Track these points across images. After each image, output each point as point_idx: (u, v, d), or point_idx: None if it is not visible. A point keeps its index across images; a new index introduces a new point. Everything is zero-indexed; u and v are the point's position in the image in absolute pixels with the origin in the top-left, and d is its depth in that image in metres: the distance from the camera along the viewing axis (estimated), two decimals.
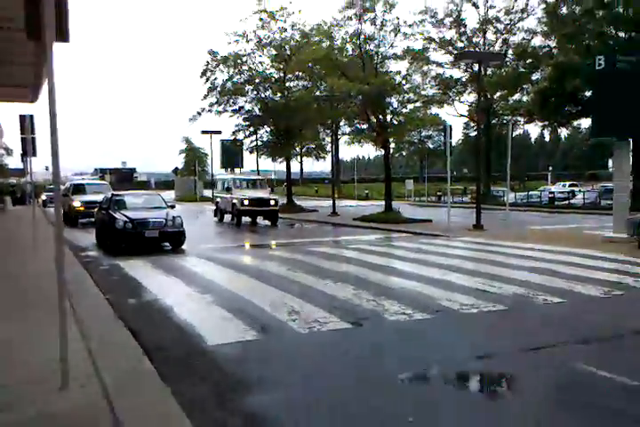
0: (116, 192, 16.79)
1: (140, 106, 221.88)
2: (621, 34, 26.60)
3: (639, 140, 24.51)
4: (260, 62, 31.01)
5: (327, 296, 7.80)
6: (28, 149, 13.28)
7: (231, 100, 31.13)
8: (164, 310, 7.14)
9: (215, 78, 31.15)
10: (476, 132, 43.40)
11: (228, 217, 22.84)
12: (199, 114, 31.61)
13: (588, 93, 24.84)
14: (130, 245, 13.19)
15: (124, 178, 63.83)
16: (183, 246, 13.81)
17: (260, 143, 33.07)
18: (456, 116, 39.86)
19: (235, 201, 21.07)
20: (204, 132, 41.16)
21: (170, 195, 47.67)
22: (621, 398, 4.24)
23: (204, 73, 31.16)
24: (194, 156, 53.97)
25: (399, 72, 22.98)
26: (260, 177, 26.02)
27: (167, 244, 13.89)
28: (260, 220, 22.10)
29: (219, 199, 23.87)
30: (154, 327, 6.34)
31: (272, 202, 21.18)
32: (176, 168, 54.32)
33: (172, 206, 15.63)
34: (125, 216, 13.38)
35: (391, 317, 6.58)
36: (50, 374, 4.29)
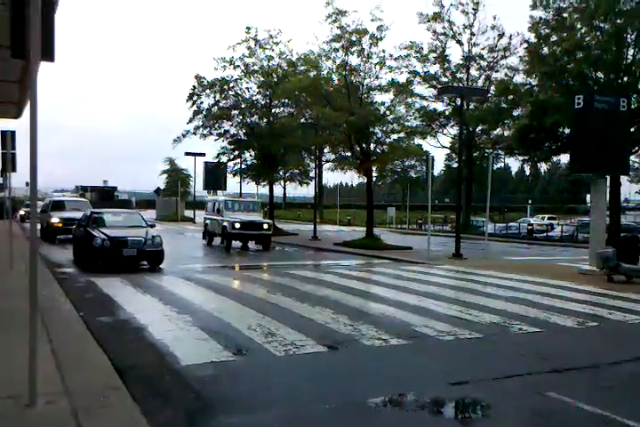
0: (95, 209, 16.66)
1: (123, 125, 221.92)
2: (600, 74, 27.53)
3: (616, 178, 25.20)
4: (247, 88, 31.41)
5: (305, 319, 7.76)
6: (8, 164, 13.20)
7: (216, 124, 31.36)
8: (139, 329, 7.04)
9: (201, 102, 31.46)
10: (457, 164, 44.16)
11: (217, 240, 21.80)
12: (184, 136, 31.78)
13: (567, 130, 25.50)
14: (107, 263, 13.04)
15: (105, 196, 63.14)
16: (162, 266, 13.69)
17: (243, 166, 33.21)
18: (438, 148, 40.61)
19: (225, 224, 19.97)
20: (187, 153, 41.24)
21: (151, 214, 47.35)
22: (589, 425, 4.27)
23: (190, 97, 31.46)
24: (177, 176, 53.87)
25: (383, 103, 23.44)
26: (253, 200, 25.58)
27: (145, 263, 13.75)
28: (251, 244, 21.28)
29: (208, 221, 22.47)
30: (127, 346, 6.25)
31: (265, 226, 20.16)
32: (158, 188, 54.09)
33: (152, 225, 15.54)
34: (104, 234, 13.25)
35: (367, 342, 6.56)
36: (18, 390, 4.19)
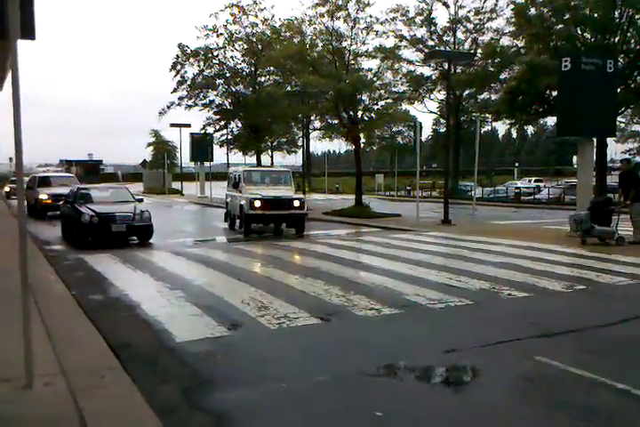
0: (82, 185, 16.48)
1: (107, 98, 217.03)
2: (588, 35, 27.23)
3: (602, 140, 25.26)
4: (231, 57, 30.76)
5: (297, 291, 7.82)
6: None
7: (201, 94, 30.83)
8: (132, 307, 7.06)
9: (185, 72, 30.81)
10: (445, 129, 43.92)
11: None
12: (168, 108, 31.25)
13: (555, 93, 25.34)
14: (96, 239, 12.98)
15: (91, 170, 62.39)
16: (151, 241, 13.66)
17: (230, 137, 32.83)
18: (426, 113, 40.28)
19: (242, 202, 15.41)
20: (173, 124, 40.59)
21: (138, 187, 47.01)
22: (579, 388, 4.39)
23: (173, 66, 30.78)
24: (163, 148, 53.26)
25: (371, 69, 23.08)
26: (282, 168, 19.30)
27: (135, 238, 13.72)
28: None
29: (229, 199, 18.01)
30: (121, 324, 6.28)
31: (296, 203, 15.21)
32: (144, 161, 53.57)
33: (140, 200, 15.43)
34: (92, 210, 13.15)
35: (360, 312, 6.64)
36: (14, 372, 4.21)
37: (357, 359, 5.07)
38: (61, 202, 16.05)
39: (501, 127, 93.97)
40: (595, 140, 14.97)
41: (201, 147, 37.67)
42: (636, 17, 25.95)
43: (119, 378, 4.35)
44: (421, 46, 35.66)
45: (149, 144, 56.24)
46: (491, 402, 4.19)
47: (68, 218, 14.20)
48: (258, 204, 14.87)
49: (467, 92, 37.13)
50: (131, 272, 9.64)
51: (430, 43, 35.89)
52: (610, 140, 29.17)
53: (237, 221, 16.77)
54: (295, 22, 24.28)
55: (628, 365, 4.96)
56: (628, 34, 26.26)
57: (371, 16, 22.09)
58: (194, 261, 10.89)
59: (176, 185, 47.02)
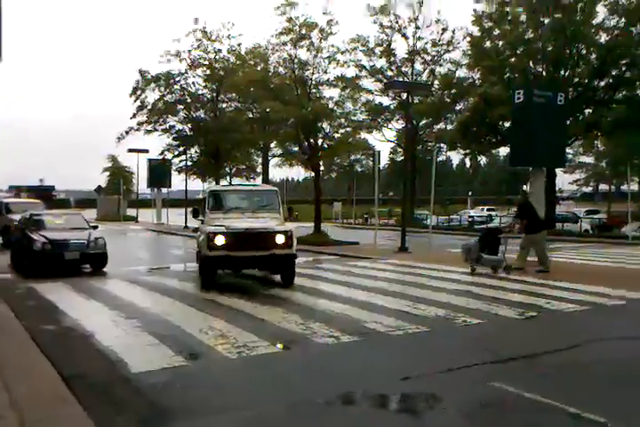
0: (33, 211, 16.04)
1: (61, 123, 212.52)
2: (540, 69, 28.61)
3: (552, 169, 26.32)
4: (193, 82, 30.93)
5: (256, 320, 7.78)
6: None
7: (161, 120, 30.76)
8: (86, 336, 6.88)
9: (145, 97, 30.77)
10: (402, 157, 44.90)
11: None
12: (127, 133, 31.04)
13: (507, 124, 26.38)
14: (48, 267, 12.60)
15: (43, 196, 60.47)
16: (105, 269, 13.35)
17: (189, 163, 32.70)
18: (383, 142, 41.20)
19: (201, 238, 10.90)
20: (130, 150, 40.12)
21: (92, 214, 45.98)
22: (532, 413, 4.51)
23: (133, 91, 30.73)
24: (119, 174, 52.42)
25: (332, 98, 23.55)
26: (265, 188, 13.80)
27: (88, 266, 13.38)
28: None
29: (197, 233, 12.51)
30: (74, 354, 6.11)
31: (279, 238, 10.47)
32: (99, 187, 52.51)
33: (95, 227, 15.12)
34: (44, 237, 12.80)
35: (319, 340, 6.65)
36: None
37: (316, 387, 5.08)
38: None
39: (455, 157, 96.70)
40: (545, 170, 15.59)
41: (159, 173, 37.33)
42: (584, 52, 27.47)
43: (72, 410, 4.23)
44: (381, 76, 36.72)
45: (105, 169, 55.32)
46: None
47: (19, 245, 13.76)
48: (220, 240, 10.01)
49: (423, 121, 38.24)
50: (84, 301, 9.39)
51: (389, 73, 37.01)
52: (558, 171, 30.34)
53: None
54: (259, 50, 24.65)
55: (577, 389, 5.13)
56: (578, 69, 27.72)
57: (333, 46, 22.66)
58: (149, 289, 10.70)
59: (131, 212, 46.19)
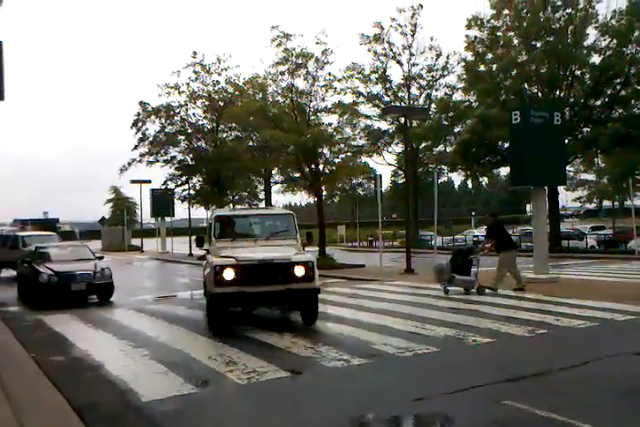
0: (39, 244, 16.12)
1: (63, 156, 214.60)
2: (535, 90, 29.00)
3: (553, 188, 26.42)
4: (193, 113, 31.38)
5: (265, 345, 7.75)
6: None
7: (163, 151, 31.11)
8: (95, 367, 6.86)
9: (146, 129, 31.20)
10: (403, 180, 45.14)
11: None
12: (129, 164, 31.37)
13: (507, 144, 26.58)
14: (55, 299, 12.61)
15: (47, 229, 60.80)
16: (112, 299, 13.36)
17: (192, 192, 32.92)
18: (384, 165, 41.46)
19: (207, 271, 9.31)
20: (133, 181, 40.42)
21: (97, 245, 46.08)
22: None
23: (134, 123, 31.17)
24: (122, 205, 52.75)
25: (330, 124, 23.85)
26: (280, 211, 11.99)
27: (95, 296, 13.39)
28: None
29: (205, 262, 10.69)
30: (84, 385, 6.09)
31: (298, 270, 8.79)
32: (103, 218, 52.77)
33: (101, 257, 15.18)
34: (50, 269, 12.85)
35: (329, 363, 6.62)
36: None
37: (327, 411, 5.04)
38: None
39: (457, 178, 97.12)
40: (546, 188, 15.65)
41: (162, 202, 37.55)
42: (578, 73, 27.88)
43: None
44: (378, 102, 37.17)
45: (108, 200, 55.68)
46: None
47: (26, 278, 13.80)
48: (229, 275, 8.49)
49: (423, 144, 38.53)
50: (92, 332, 9.38)
51: (386, 98, 37.47)
52: (560, 189, 30.46)
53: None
54: (258, 80, 25.09)
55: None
56: (573, 89, 28.09)
57: (329, 74, 23.06)
58: (157, 317, 10.67)
59: (136, 241, 46.28)
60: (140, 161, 31.15)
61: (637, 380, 5.81)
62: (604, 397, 5.32)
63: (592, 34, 27.48)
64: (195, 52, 29.88)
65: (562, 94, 28.03)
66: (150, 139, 31.25)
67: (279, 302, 9.52)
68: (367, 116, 36.34)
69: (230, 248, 9.37)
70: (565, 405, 5.01)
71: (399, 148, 38.35)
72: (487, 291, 12.40)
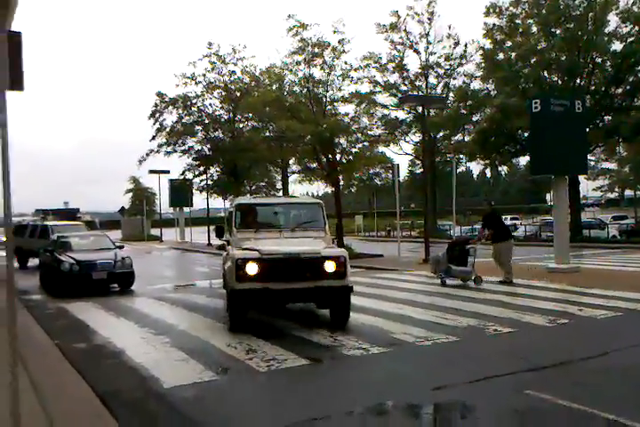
0: (61, 234, 16.34)
1: (83, 147, 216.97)
2: (555, 78, 28.53)
3: (574, 177, 26.02)
4: (210, 104, 31.46)
5: (285, 334, 7.79)
6: None
7: (180, 141, 31.29)
8: (117, 354, 6.95)
9: (164, 119, 31.37)
10: (421, 169, 44.87)
11: None
12: (147, 155, 31.62)
13: (526, 133, 26.23)
14: (77, 287, 12.80)
15: (68, 218, 61.68)
16: (133, 287, 13.52)
17: (210, 182, 33.08)
18: (401, 155, 41.16)
19: (228, 265, 8.39)
20: (151, 171, 40.70)
21: (116, 235, 46.64)
22: (569, 420, 4.44)
23: (152, 114, 31.34)
24: (141, 195, 53.23)
25: (347, 113, 23.74)
26: (306, 200, 10.94)
27: (116, 285, 13.56)
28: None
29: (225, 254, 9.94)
30: (107, 372, 6.17)
31: (329, 266, 7.96)
32: (122, 208, 53.33)
33: (121, 247, 15.35)
34: (72, 258, 13.03)
35: (348, 352, 6.63)
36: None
37: (347, 399, 5.05)
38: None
39: (476, 167, 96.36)
40: (567, 177, 15.42)
41: (180, 192, 37.79)
42: (599, 61, 27.36)
43: (108, 425, 4.27)
44: (395, 91, 36.83)
45: (128, 191, 56.22)
46: None
47: (48, 267, 14.02)
48: (252, 269, 7.70)
49: (441, 133, 38.17)
50: (114, 319, 9.50)
51: (403, 88, 37.11)
52: (581, 178, 29.99)
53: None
54: (274, 70, 25.03)
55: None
56: (594, 77, 27.58)
57: (346, 63, 22.89)
58: (177, 306, 10.78)
59: (155, 231, 46.73)
60: (157, 151, 31.38)
61: None
62: (624, 387, 5.26)
63: (613, 20, 26.92)
64: (210, 43, 29.91)
65: (582, 82, 27.53)
66: (168, 129, 31.42)
67: (307, 301, 8.61)
68: (384, 106, 36.13)
69: (253, 240, 8.58)
70: (586, 395, 4.96)
71: (417, 137, 38.06)
72: (503, 281, 12.26)
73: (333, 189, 24.28)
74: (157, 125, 31.49)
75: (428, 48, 36.62)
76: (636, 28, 26.32)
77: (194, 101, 31.27)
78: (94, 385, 5.38)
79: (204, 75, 30.44)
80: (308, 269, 7.83)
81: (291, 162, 31.91)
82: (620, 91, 27.77)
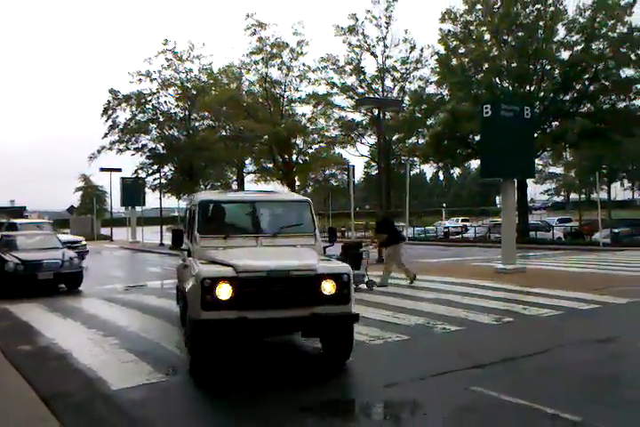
0: (5, 233, 15.75)
1: (27, 143, 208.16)
2: (506, 84, 29.41)
3: (522, 180, 26.88)
4: (165, 101, 31.00)
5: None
6: None
7: (133, 139, 30.71)
8: (62, 356, 6.76)
9: (117, 117, 30.71)
10: (376, 171, 45.36)
11: None
12: (99, 152, 30.90)
13: (477, 137, 26.94)
14: (22, 288, 12.36)
15: (15, 217, 59.53)
16: (81, 288, 13.17)
17: (163, 181, 32.55)
18: (357, 156, 41.50)
19: (189, 285, 6.08)
20: (103, 169, 39.64)
21: (65, 234, 45.22)
22: (512, 415, 4.60)
23: (105, 111, 30.66)
24: (92, 193, 51.86)
25: (304, 114, 23.86)
26: (291, 197, 8.31)
27: (63, 285, 13.18)
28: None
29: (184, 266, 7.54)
30: (52, 374, 6.01)
31: (327, 285, 5.78)
32: (72, 206, 51.81)
33: (83, 243, 14.92)
34: (17, 258, 12.59)
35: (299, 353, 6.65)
36: None
37: (296, 397, 5.07)
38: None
39: (429, 170, 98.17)
40: (515, 181, 15.89)
41: (132, 191, 36.98)
42: (548, 68, 28.36)
43: None
44: (352, 93, 37.11)
45: (78, 189, 54.68)
46: None
47: None
48: (225, 292, 5.60)
49: (396, 136, 38.72)
50: (60, 321, 9.24)
51: (360, 90, 37.43)
52: (529, 182, 31.06)
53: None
54: (231, 69, 24.89)
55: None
56: (543, 84, 28.56)
57: (304, 64, 23.02)
58: (126, 307, 10.56)
59: (105, 231, 45.62)
60: (110, 149, 30.68)
61: (596, 366, 6.00)
62: (566, 382, 5.48)
63: (561, 30, 27.97)
64: (166, 40, 29.43)
65: (532, 89, 28.48)
66: (121, 126, 30.76)
67: (296, 331, 6.37)
68: (341, 108, 36.32)
69: (222, 249, 6.41)
70: (530, 390, 5.15)
71: (372, 139, 38.47)
72: (377, 286, 12.21)
73: (289, 189, 24.31)
74: (110, 122, 30.80)
75: (384, 51, 37.11)
76: (583, 37, 27.42)
77: (148, 99, 30.75)
78: (38, 388, 5.24)
79: (160, 71, 29.98)
80: (300, 291, 5.74)
81: (247, 162, 31.77)
82: (567, 97, 28.88)
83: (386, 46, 36.92)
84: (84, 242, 21.11)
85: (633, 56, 26.78)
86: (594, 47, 27.38)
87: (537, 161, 33.27)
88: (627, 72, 27.48)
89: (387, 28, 36.41)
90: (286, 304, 5.68)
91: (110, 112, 30.97)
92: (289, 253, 6.41)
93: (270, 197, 7.85)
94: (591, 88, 27.97)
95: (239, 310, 5.53)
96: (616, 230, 26.71)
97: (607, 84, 27.60)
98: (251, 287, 5.60)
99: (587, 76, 27.70)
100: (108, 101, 30.90)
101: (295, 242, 6.77)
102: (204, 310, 5.50)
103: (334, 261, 6.95)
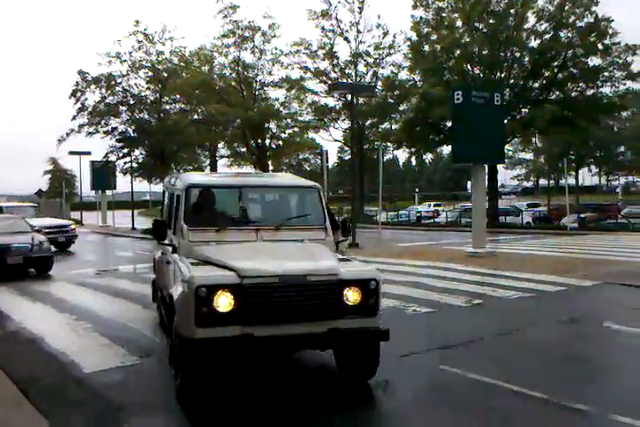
0: None
1: None
2: (477, 71, 29.66)
3: (493, 165, 27.29)
4: (136, 84, 30.39)
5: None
6: None
7: (103, 121, 30.11)
8: (34, 340, 6.71)
9: (86, 99, 30.05)
10: (350, 156, 45.45)
11: None
12: (67, 135, 30.23)
13: (449, 123, 27.20)
14: None
15: None
16: (52, 272, 12.99)
17: (134, 165, 32.06)
18: (331, 141, 41.49)
19: (177, 293, 4.74)
20: (72, 152, 38.80)
21: (55, 218, 44.30)
22: (479, 392, 4.77)
23: (73, 93, 29.94)
24: (60, 177, 50.81)
25: (277, 99, 23.72)
26: (298, 182, 6.47)
27: (33, 270, 12.99)
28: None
29: (157, 254, 7.47)
30: (24, 358, 5.97)
31: (350, 295, 4.71)
32: (40, 190, 50.73)
33: (39, 230, 14.65)
34: None
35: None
36: None
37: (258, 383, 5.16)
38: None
39: (402, 155, 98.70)
40: (486, 166, 16.14)
41: (103, 175, 36.31)
42: (518, 55, 28.68)
43: (26, 412, 4.17)
44: (325, 78, 36.96)
45: (46, 172, 53.51)
46: (402, 411, 4.45)
47: None
48: (226, 303, 4.39)
49: (369, 121, 38.77)
50: (30, 305, 9.14)
51: (333, 75, 37.30)
52: (500, 167, 31.54)
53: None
54: (203, 52, 24.54)
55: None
56: (513, 71, 28.89)
57: (276, 48, 22.81)
58: (98, 291, 10.48)
59: (75, 215, 44.77)
60: (79, 132, 30.05)
61: (562, 346, 6.23)
62: (532, 361, 5.69)
63: (531, 18, 28.26)
64: (137, 21, 28.77)
65: (502, 75, 28.78)
66: (90, 109, 30.12)
67: (312, 349, 5.21)
68: (314, 92, 36.16)
69: (215, 244, 5.24)
70: (497, 369, 5.34)
71: (346, 124, 38.43)
72: None
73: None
74: (79, 105, 30.11)
75: (357, 37, 36.97)
76: (552, 26, 27.76)
77: (118, 81, 30.11)
78: (10, 372, 5.20)
79: (131, 53, 29.33)
80: (319, 300, 4.61)
81: (220, 146, 31.49)
82: (537, 85, 29.29)
83: (359, 31, 36.80)
84: (72, 226, 20.60)
85: (600, 45, 27.25)
86: (562, 35, 27.77)
87: (507, 147, 33.75)
88: (594, 61, 28.00)
89: (360, 12, 36.26)
90: (301, 317, 4.56)
91: (79, 94, 30.27)
92: (300, 252, 5.18)
93: (273, 182, 6.67)
94: (560, 76, 28.42)
95: (243, 326, 4.40)
96: (582, 215, 27.39)
97: (575, 71, 28.09)
98: (258, 297, 4.44)
99: (555, 63, 28.13)
100: (77, 83, 30.18)
101: (302, 236, 5.55)
102: (199, 327, 4.34)
103: (355, 261, 5.63)
